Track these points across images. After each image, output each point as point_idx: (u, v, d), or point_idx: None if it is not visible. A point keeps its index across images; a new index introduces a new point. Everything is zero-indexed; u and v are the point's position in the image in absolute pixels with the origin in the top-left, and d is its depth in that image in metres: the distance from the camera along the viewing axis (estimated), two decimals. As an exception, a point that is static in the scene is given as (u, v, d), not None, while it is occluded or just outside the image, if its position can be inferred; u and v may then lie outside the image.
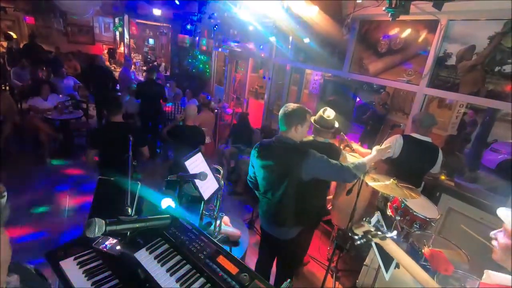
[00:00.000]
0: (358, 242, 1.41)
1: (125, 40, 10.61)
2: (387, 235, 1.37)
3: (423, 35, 3.13)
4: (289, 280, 1.30)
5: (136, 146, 2.84)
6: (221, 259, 1.33)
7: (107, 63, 9.55)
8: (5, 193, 0.87)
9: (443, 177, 3.11)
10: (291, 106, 1.96)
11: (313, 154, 1.86)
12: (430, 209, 2.40)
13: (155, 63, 10.59)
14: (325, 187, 2.64)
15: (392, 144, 2.71)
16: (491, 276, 1.03)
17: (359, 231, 1.42)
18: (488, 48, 2.63)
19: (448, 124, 6.04)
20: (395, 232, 1.44)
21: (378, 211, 1.86)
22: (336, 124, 2.41)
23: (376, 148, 2.07)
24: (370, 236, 1.38)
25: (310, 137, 2.37)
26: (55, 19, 9.21)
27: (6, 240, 0.73)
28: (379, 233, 1.37)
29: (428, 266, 2.06)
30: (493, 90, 2.63)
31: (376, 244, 1.45)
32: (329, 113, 2.34)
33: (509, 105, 2.55)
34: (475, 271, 2.09)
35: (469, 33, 2.77)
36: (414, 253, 2.33)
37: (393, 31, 3.41)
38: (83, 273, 1.47)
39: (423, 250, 2.15)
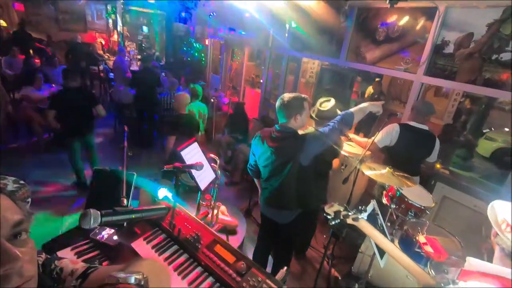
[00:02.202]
0: (333, 222, 1.43)
1: (119, 28, 10.37)
2: (359, 216, 1.38)
3: (421, 22, 3.09)
4: (286, 268, 1.31)
5: (90, 106, 3.56)
6: (218, 248, 1.34)
7: (101, 52, 9.36)
8: (29, 199, 0.79)
9: (438, 166, 3.14)
10: (287, 96, 1.94)
11: (311, 137, 1.90)
12: (425, 197, 2.42)
13: (153, 51, 10.40)
14: (326, 173, 2.66)
15: (389, 131, 2.72)
16: (472, 263, 1.05)
17: (330, 211, 1.44)
18: (486, 35, 2.60)
19: (444, 112, 6.06)
20: (365, 214, 1.47)
21: (374, 200, 1.88)
22: (339, 112, 2.43)
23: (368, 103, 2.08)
24: (342, 217, 1.40)
25: (311, 129, 2.35)
26: (46, 5, 8.96)
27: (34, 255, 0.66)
28: (349, 213, 1.39)
29: (422, 253, 2.10)
30: (490, 79, 2.62)
31: (351, 225, 1.46)
32: (325, 103, 2.34)
33: (506, 93, 2.55)
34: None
35: (467, 20, 2.74)
36: (409, 241, 2.37)
37: (391, 19, 3.36)
38: (80, 263, 1.47)
39: (417, 238, 2.19)
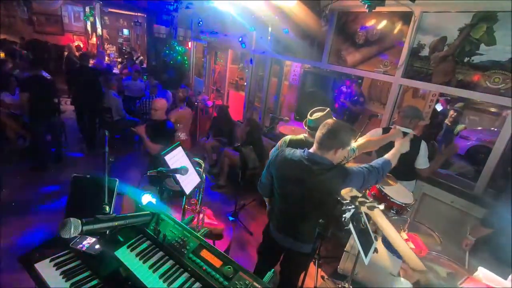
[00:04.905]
0: (348, 207, 1.41)
1: (97, 30, 10.10)
2: (375, 205, 1.38)
3: (398, 26, 3.21)
4: (272, 270, 1.32)
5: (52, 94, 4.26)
6: (204, 253, 1.32)
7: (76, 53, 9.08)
8: None
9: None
10: (335, 125, 1.67)
11: (352, 173, 1.68)
12: (405, 195, 2.50)
13: (132, 53, 10.18)
14: None
15: (373, 134, 2.78)
16: (482, 273, 1.07)
17: (347, 196, 1.42)
18: (458, 39, 2.74)
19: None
20: (383, 205, 1.48)
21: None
22: None
23: (398, 140, 2.00)
24: (358, 203, 1.39)
25: (301, 136, 2.28)
26: (19, 7, 8.59)
27: None
28: (367, 200, 1.38)
29: (404, 249, 2.17)
30: (462, 80, 2.75)
31: (366, 214, 1.47)
32: (317, 113, 2.20)
33: (476, 93, 2.69)
34: (447, 252, 2.23)
35: (441, 24, 2.87)
36: (391, 238, 2.43)
37: (370, 23, 3.47)
38: (60, 275, 1.42)
39: (400, 235, 2.25)
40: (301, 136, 2.28)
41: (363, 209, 1.40)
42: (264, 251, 2.22)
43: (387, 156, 1.88)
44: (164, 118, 3.48)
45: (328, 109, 2.24)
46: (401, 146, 1.96)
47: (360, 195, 1.41)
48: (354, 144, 2.13)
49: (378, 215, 1.39)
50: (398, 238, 1.33)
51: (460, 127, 5.36)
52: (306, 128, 2.25)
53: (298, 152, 1.77)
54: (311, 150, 1.73)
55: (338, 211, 1.67)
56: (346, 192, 1.44)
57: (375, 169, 1.74)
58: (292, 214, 1.86)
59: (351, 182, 1.65)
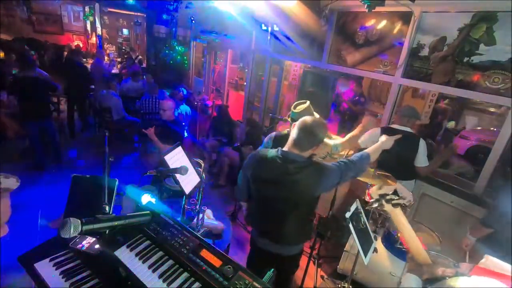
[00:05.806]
0: (374, 206, 1.42)
1: (97, 30, 10.09)
2: (401, 202, 1.40)
3: (398, 26, 3.21)
4: (272, 270, 1.32)
5: (46, 93, 4.18)
6: (204, 253, 1.32)
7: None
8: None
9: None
10: (312, 123, 1.64)
11: (329, 169, 1.66)
12: (405, 195, 2.50)
13: (131, 53, 10.16)
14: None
15: (371, 134, 2.78)
16: (490, 260, 1.08)
17: (375, 194, 1.45)
18: (457, 39, 2.74)
19: (421, 113, 6.28)
20: (410, 198, 1.50)
21: (357, 199, 1.92)
22: (316, 115, 2.39)
23: (383, 137, 1.96)
24: (384, 201, 1.41)
25: (285, 131, 2.29)
26: (18, 6, 8.59)
27: None
28: (394, 197, 1.40)
29: (403, 249, 2.17)
30: (462, 80, 2.75)
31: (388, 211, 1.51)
32: (300, 106, 2.19)
33: (475, 93, 2.69)
34: (447, 252, 2.23)
35: (440, 24, 2.87)
36: (391, 238, 2.44)
37: (370, 23, 3.47)
38: (60, 274, 1.42)
39: (398, 234, 2.26)
40: (285, 131, 2.32)
41: (388, 207, 1.42)
42: (252, 261, 2.07)
43: (368, 149, 1.87)
44: (172, 118, 3.48)
45: (308, 101, 2.25)
46: (383, 142, 1.93)
47: (390, 192, 1.44)
48: (337, 141, 2.16)
49: (399, 213, 1.41)
50: (413, 236, 1.35)
51: (450, 123, 5.52)
52: (290, 120, 2.27)
53: (273, 152, 1.73)
54: (285, 149, 1.69)
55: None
56: (376, 189, 1.47)
57: (353, 163, 1.72)
58: (272, 216, 1.79)
59: (329, 178, 1.65)
